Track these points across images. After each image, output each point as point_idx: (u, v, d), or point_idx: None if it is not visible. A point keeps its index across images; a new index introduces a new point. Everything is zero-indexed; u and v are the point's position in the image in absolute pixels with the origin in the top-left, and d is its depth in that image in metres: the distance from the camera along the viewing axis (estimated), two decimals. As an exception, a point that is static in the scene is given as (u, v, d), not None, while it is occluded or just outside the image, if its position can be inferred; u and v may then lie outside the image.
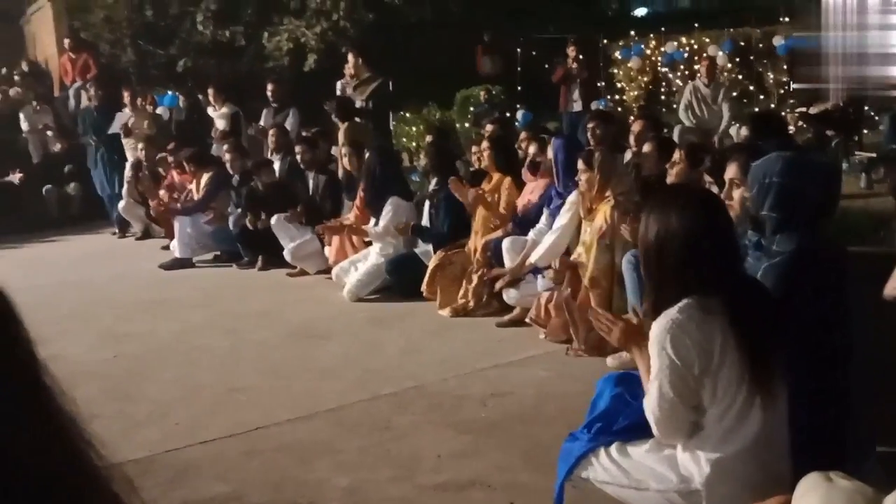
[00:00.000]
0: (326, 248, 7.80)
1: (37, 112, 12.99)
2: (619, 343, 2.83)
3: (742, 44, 12.48)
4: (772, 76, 12.25)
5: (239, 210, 8.73)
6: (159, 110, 12.37)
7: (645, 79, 13.54)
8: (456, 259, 6.62)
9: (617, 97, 13.59)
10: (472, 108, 13.18)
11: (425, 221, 7.09)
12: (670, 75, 13.20)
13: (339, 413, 4.60)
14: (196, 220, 9.03)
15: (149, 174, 10.40)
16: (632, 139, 7.08)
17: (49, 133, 12.70)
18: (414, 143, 12.89)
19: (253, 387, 5.11)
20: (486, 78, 13.96)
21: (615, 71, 14.01)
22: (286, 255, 8.01)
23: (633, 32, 14.21)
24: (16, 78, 14.36)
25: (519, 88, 14.06)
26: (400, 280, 6.94)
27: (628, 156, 7.00)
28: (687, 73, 12.51)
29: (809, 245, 2.87)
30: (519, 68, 14.33)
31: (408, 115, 13.51)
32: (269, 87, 11.22)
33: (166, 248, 9.47)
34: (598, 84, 12.98)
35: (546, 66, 13.34)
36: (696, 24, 13.36)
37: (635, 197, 5.35)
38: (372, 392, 4.86)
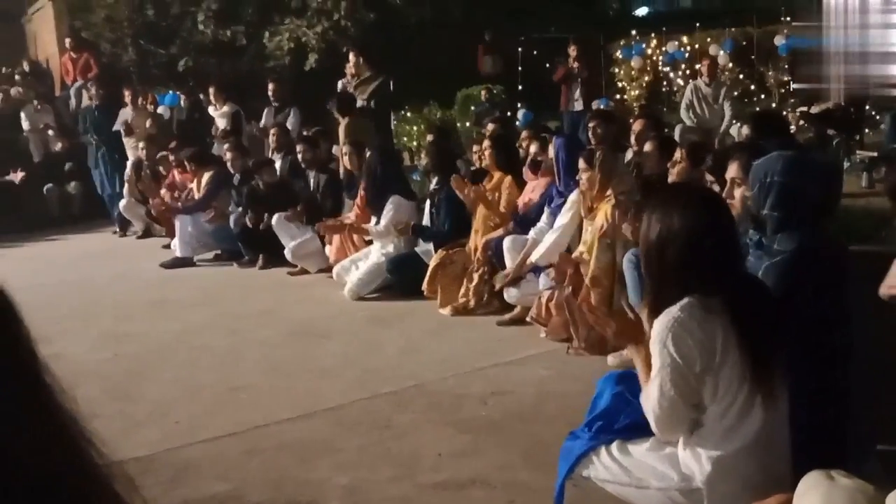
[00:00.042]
0: (327, 247, 7.81)
1: (38, 111, 13.00)
2: (615, 340, 2.83)
3: (743, 43, 12.49)
4: (773, 75, 12.25)
5: (240, 209, 8.74)
6: (160, 109, 12.38)
7: (646, 78, 13.56)
8: (457, 258, 6.62)
9: (618, 96, 13.59)
10: (473, 108, 13.19)
11: (426, 221, 7.09)
12: (671, 75, 13.21)
13: (340, 412, 4.59)
14: (197, 218, 9.03)
15: (150, 173, 10.41)
16: (633, 138, 7.08)
17: (50, 132, 12.71)
18: (415, 143, 12.90)
19: (253, 386, 5.11)
20: (487, 77, 13.97)
21: (616, 70, 14.02)
22: (287, 254, 8.02)
23: (634, 32, 14.23)
24: (17, 77, 14.37)
25: (520, 88, 14.06)
26: (401, 279, 6.95)
27: (629, 155, 7.00)
28: (688, 72, 12.52)
29: (810, 244, 2.87)
30: (520, 68, 14.33)
31: (409, 114, 13.52)
32: (270, 86, 11.23)
33: (167, 246, 9.48)
34: (600, 83, 12.98)
35: (547, 65, 13.34)
36: (698, 24, 13.38)
37: (636, 196, 5.34)
38: (372, 391, 4.85)
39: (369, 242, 7.39)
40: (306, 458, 4.02)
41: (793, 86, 11.58)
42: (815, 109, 9.51)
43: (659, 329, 2.49)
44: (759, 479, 2.46)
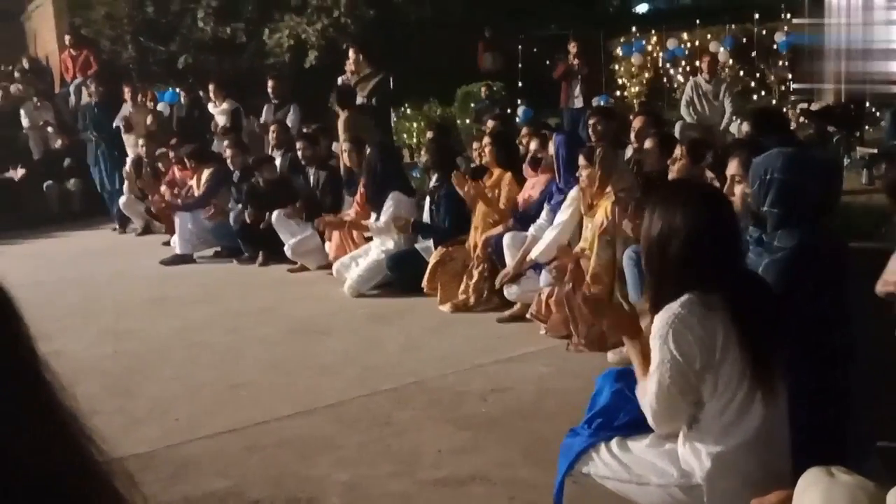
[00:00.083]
0: (327, 244, 7.81)
1: (37, 109, 12.99)
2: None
3: (744, 40, 12.47)
4: (773, 72, 12.24)
5: (240, 206, 8.74)
6: (160, 106, 12.37)
7: (646, 75, 13.55)
8: (457, 255, 6.61)
9: (618, 93, 13.58)
10: (473, 105, 13.18)
11: (426, 218, 7.08)
12: (672, 71, 13.20)
13: (340, 409, 4.59)
14: (197, 215, 9.03)
15: (150, 170, 10.41)
16: (633, 135, 7.07)
17: (50, 130, 12.70)
18: (415, 140, 12.89)
19: (253, 383, 5.11)
20: (487, 74, 13.96)
21: (616, 67, 14.00)
22: (287, 251, 8.02)
23: (634, 29, 14.21)
24: (16, 75, 14.36)
25: (520, 85, 14.06)
26: (401, 276, 6.94)
27: (629, 152, 6.99)
28: (688, 69, 12.51)
29: (810, 241, 2.87)
30: (520, 65, 14.32)
31: (409, 111, 13.51)
32: (270, 83, 11.22)
33: (167, 243, 9.48)
34: (600, 80, 12.97)
35: (547, 62, 13.33)
36: (698, 21, 13.36)
37: (636, 193, 5.34)
38: (372, 388, 4.86)
39: (369, 239, 7.39)
40: (306, 454, 4.02)
41: (793, 86, 11.56)
42: (815, 106, 9.50)
43: (659, 325, 2.49)
44: (759, 475, 2.46)
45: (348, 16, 14.18)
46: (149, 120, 11.27)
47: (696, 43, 12.77)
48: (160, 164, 10.48)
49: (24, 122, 12.85)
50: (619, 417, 2.80)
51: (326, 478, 3.76)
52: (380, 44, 12.12)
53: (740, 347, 2.46)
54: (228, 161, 9.24)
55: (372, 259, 7.09)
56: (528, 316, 5.84)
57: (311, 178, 8.52)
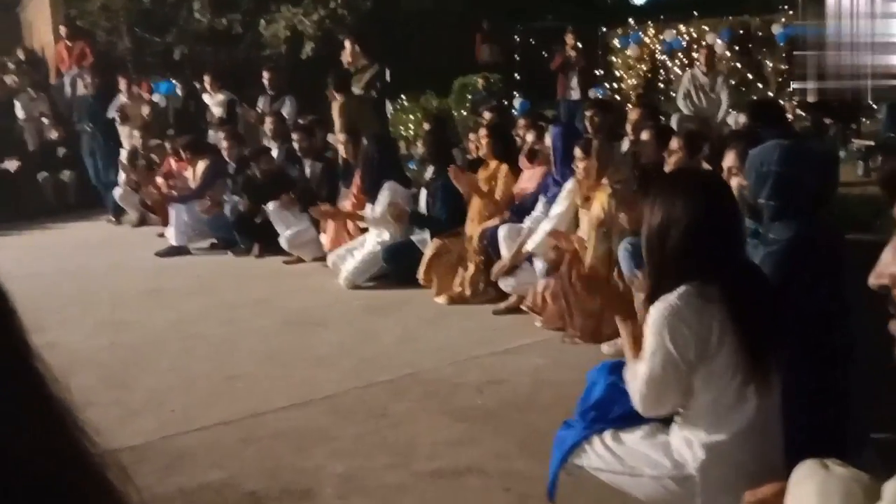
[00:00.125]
0: (322, 236, 7.79)
1: (33, 100, 12.93)
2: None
3: (741, 32, 12.45)
4: (770, 64, 12.22)
5: (236, 197, 8.72)
6: (155, 98, 12.34)
7: (643, 67, 13.52)
8: (453, 247, 6.60)
9: (615, 85, 13.56)
10: (469, 96, 13.15)
11: (422, 210, 7.07)
12: (669, 63, 13.17)
13: (336, 400, 4.59)
14: (192, 207, 9.00)
15: (145, 162, 10.38)
16: (629, 127, 7.07)
17: (45, 121, 12.66)
18: (411, 131, 12.87)
19: (249, 374, 5.11)
20: (484, 66, 13.93)
21: (613, 59, 13.97)
22: (282, 242, 8.00)
23: (631, 20, 14.18)
24: (11, 66, 14.30)
25: (517, 77, 14.03)
26: (396, 267, 6.93)
27: (626, 144, 6.99)
28: (685, 61, 12.48)
29: (807, 233, 2.87)
30: (517, 56, 14.29)
31: (405, 102, 13.48)
32: (266, 74, 11.17)
33: (162, 235, 9.46)
34: (596, 72, 12.95)
35: (544, 54, 13.30)
36: (695, 13, 13.32)
37: (633, 185, 5.33)
38: (368, 379, 4.86)
39: (365, 231, 7.38)
40: (302, 446, 4.02)
41: (793, 85, 11.53)
42: (811, 98, 9.49)
43: (655, 316, 2.48)
44: (753, 466, 2.46)
45: (345, 7, 14.13)
46: (145, 111, 11.24)
47: (694, 35, 12.75)
48: (152, 155, 10.45)
49: (20, 113, 12.80)
50: (613, 410, 2.80)
51: (322, 469, 3.77)
52: (377, 35, 12.08)
53: (736, 339, 2.46)
54: (225, 153, 9.21)
55: (368, 251, 7.08)
56: (523, 308, 5.85)
57: (308, 169, 8.50)
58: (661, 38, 13.19)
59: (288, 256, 8.08)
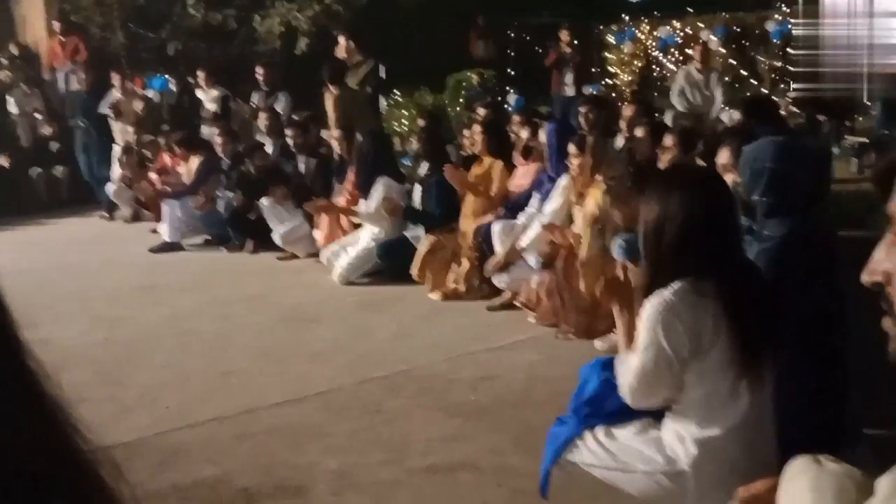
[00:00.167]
0: (315, 231, 7.78)
1: (26, 95, 12.89)
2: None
3: (736, 29, 12.46)
4: (765, 61, 12.24)
5: (230, 193, 8.70)
6: (149, 93, 12.30)
7: (638, 63, 13.52)
8: (447, 243, 6.60)
9: (610, 82, 13.56)
10: (464, 92, 13.13)
11: (416, 206, 7.07)
12: (663, 60, 13.18)
13: (330, 396, 4.59)
14: (185, 203, 8.98)
15: (137, 158, 10.36)
16: (623, 124, 7.07)
17: (38, 116, 12.62)
18: (406, 127, 12.85)
19: (243, 370, 5.10)
20: (479, 62, 13.91)
21: (608, 55, 13.97)
22: (276, 238, 7.99)
23: (626, 17, 14.18)
24: (4, 61, 14.24)
25: (511, 73, 14.02)
26: (391, 264, 6.93)
27: (620, 141, 6.99)
28: (680, 57, 12.49)
29: (800, 229, 2.87)
30: (512, 52, 14.28)
31: (399, 98, 13.46)
32: (260, 70, 11.15)
33: (156, 231, 9.44)
34: (591, 69, 12.94)
35: (539, 50, 13.29)
36: (690, 9, 13.33)
37: (627, 182, 5.34)
38: (362, 376, 4.86)
39: (359, 227, 7.37)
40: (296, 442, 4.02)
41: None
42: (805, 95, 9.51)
43: (650, 311, 2.48)
44: (746, 462, 2.47)
45: (339, 3, 14.11)
46: (139, 107, 11.20)
47: (689, 31, 12.76)
48: (145, 151, 10.43)
49: (13, 108, 12.76)
50: (606, 406, 2.80)
51: (316, 465, 3.77)
52: (371, 31, 12.06)
53: (730, 334, 2.46)
54: (219, 149, 9.19)
55: (362, 247, 7.07)
56: (517, 304, 5.85)
57: (302, 165, 8.49)
58: (656, 34, 13.20)
59: (282, 252, 8.07)
